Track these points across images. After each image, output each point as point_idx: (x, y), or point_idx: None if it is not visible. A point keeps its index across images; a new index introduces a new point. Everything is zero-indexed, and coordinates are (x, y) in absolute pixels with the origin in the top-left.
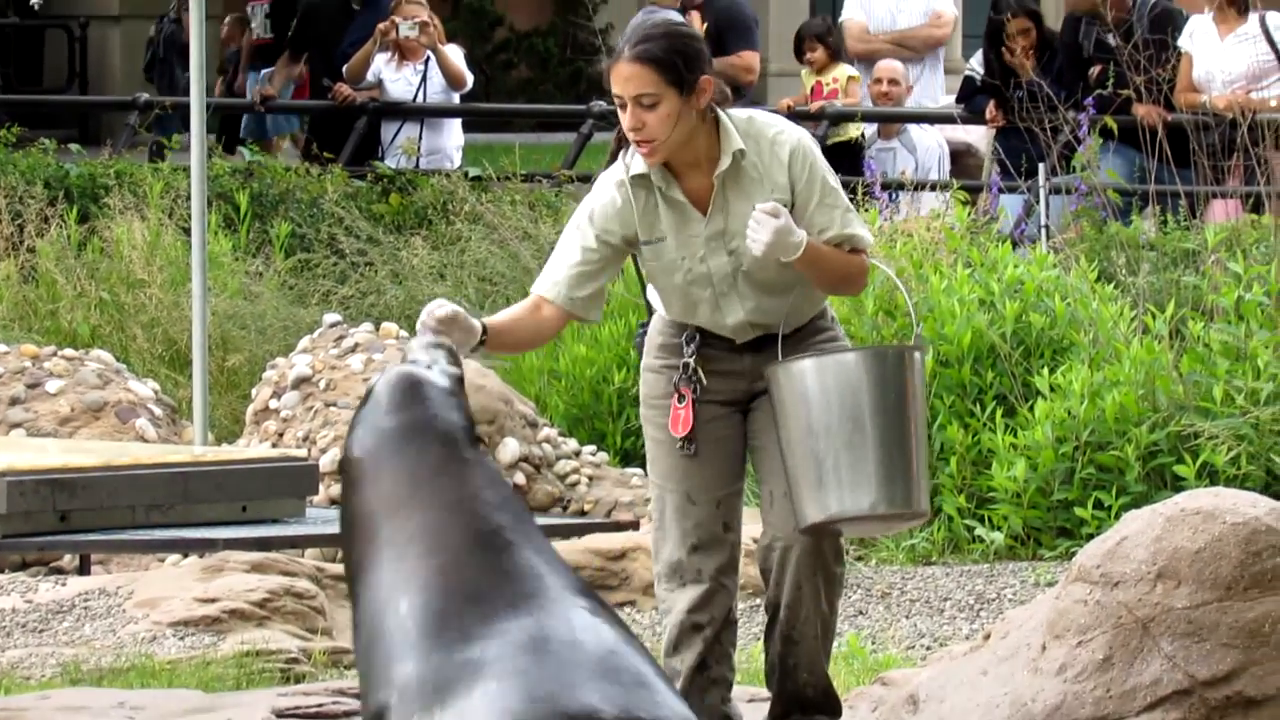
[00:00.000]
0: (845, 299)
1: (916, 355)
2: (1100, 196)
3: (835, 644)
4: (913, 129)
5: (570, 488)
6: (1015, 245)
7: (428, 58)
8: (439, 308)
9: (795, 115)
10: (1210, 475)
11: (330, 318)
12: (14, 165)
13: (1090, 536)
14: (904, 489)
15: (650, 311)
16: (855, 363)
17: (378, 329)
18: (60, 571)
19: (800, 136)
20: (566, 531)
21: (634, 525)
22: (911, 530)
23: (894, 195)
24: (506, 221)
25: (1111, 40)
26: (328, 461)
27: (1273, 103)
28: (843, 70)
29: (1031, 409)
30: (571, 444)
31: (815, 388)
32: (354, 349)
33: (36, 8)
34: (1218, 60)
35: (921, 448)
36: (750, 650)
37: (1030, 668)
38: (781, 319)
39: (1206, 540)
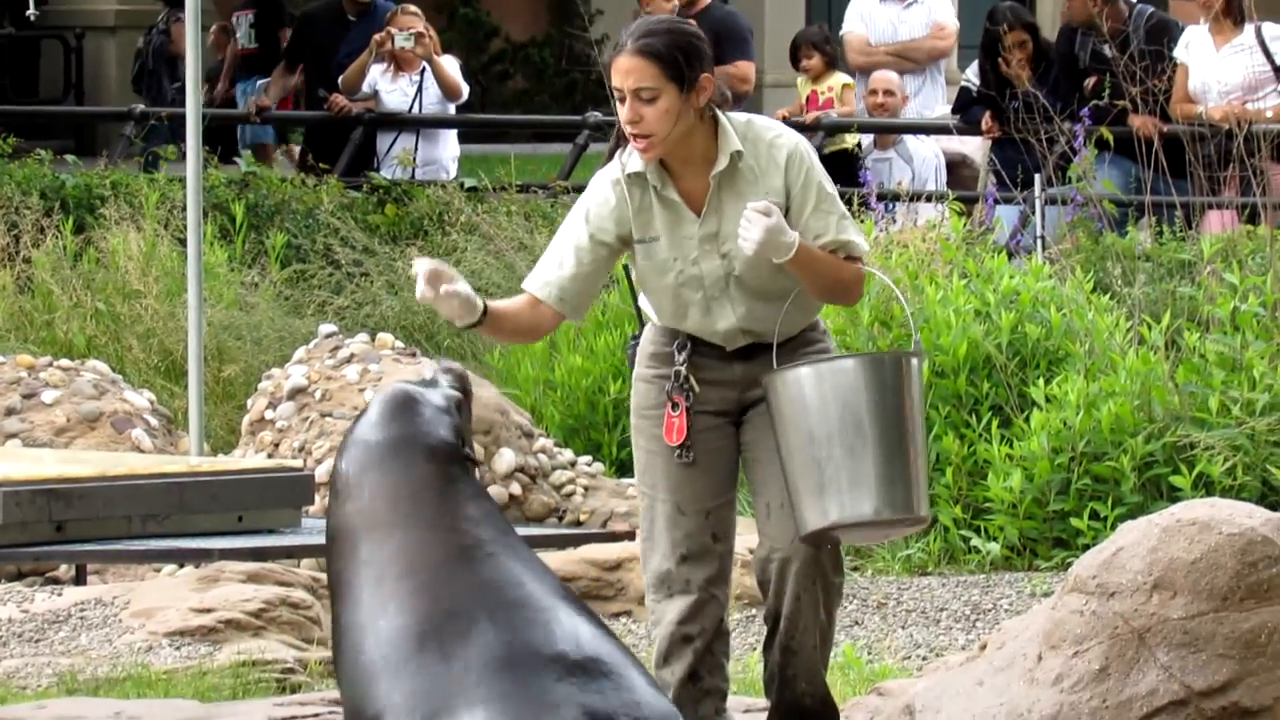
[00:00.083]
0: (841, 310)
1: (914, 361)
2: (1096, 207)
3: (831, 654)
4: (909, 139)
5: (566, 498)
6: (1011, 256)
7: (423, 69)
8: (427, 264)
9: (790, 126)
10: (1206, 486)
11: (326, 328)
12: (10, 176)
13: (1086, 547)
14: (904, 494)
15: (642, 322)
16: (854, 369)
17: (373, 340)
18: (56, 581)
19: (798, 141)
20: (562, 542)
21: (630, 536)
22: (907, 540)
23: (890, 206)
24: (502, 232)
25: (1107, 51)
26: (323, 472)
27: (1268, 114)
28: (838, 78)
29: (1027, 420)
30: (567, 454)
31: (814, 395)
32: (349, 360)
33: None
34: (1214, 71)
35: (921, 453)
36: (746, 660)
37: (1026, 678)
38: (772, 327)
39: (1202, 551)
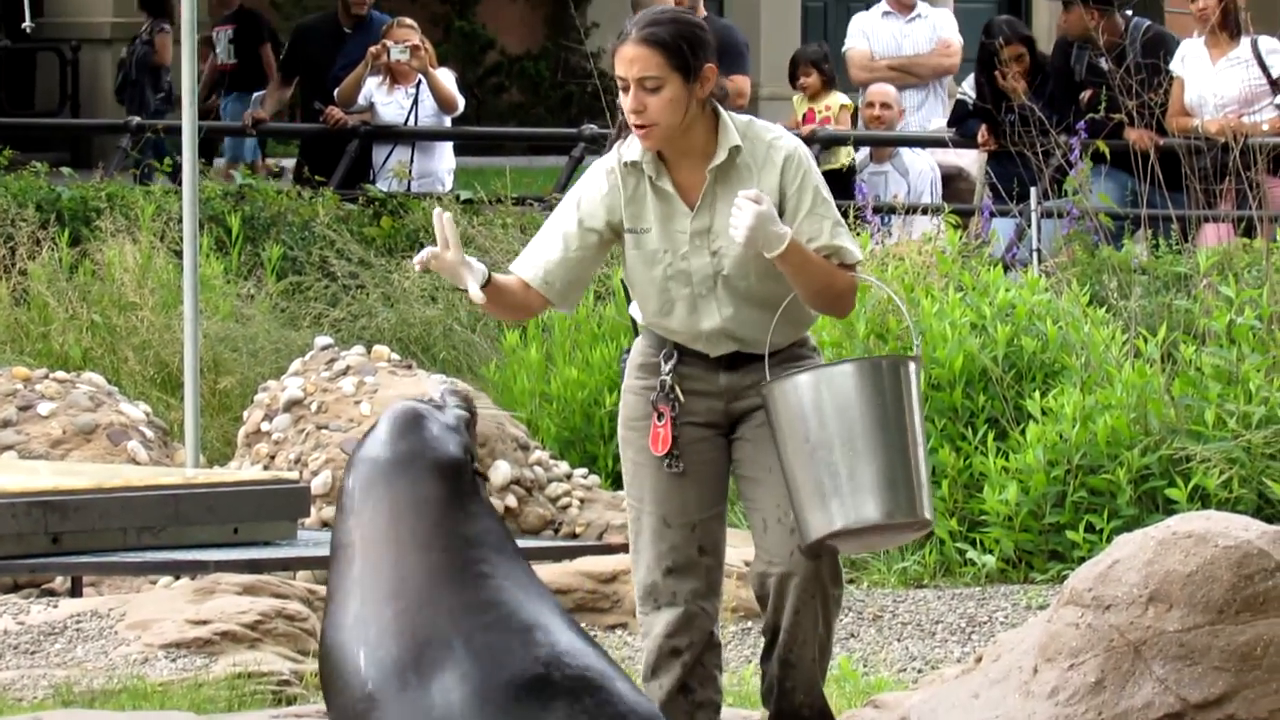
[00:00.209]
0: (837, 322)
1: (912, 365)
2: (1092, 220)
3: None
4: (905, 153)
5: (562, 510)
6: (1007, 269)
7: (419, 81)
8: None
9: None
10: (1202, 499)
11: (322, 340)
12: (6, 188)
13: (1082, 560)
14: (908, 497)
15: (636, 334)
16: (851, 374)
17: (369, 352)
18: (52, 593)
19: (797, 145)
20: (558, 554)
21: (625, 548)
22: (903, 553)
23: (885, 219)
24: (498, 245)
25: (1103, 64)
26: (319, 484)
27: (1264, 126)
28: (835, 98)
29: (1023, 432)
30: (563, 467)
31: (811, 402)
32: (345, 372)
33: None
34: (1210, 84)
35: (923, 456)
36: (742, 673)
37: (1022, 691)
38: (758, 335)
39: (1198, 564)
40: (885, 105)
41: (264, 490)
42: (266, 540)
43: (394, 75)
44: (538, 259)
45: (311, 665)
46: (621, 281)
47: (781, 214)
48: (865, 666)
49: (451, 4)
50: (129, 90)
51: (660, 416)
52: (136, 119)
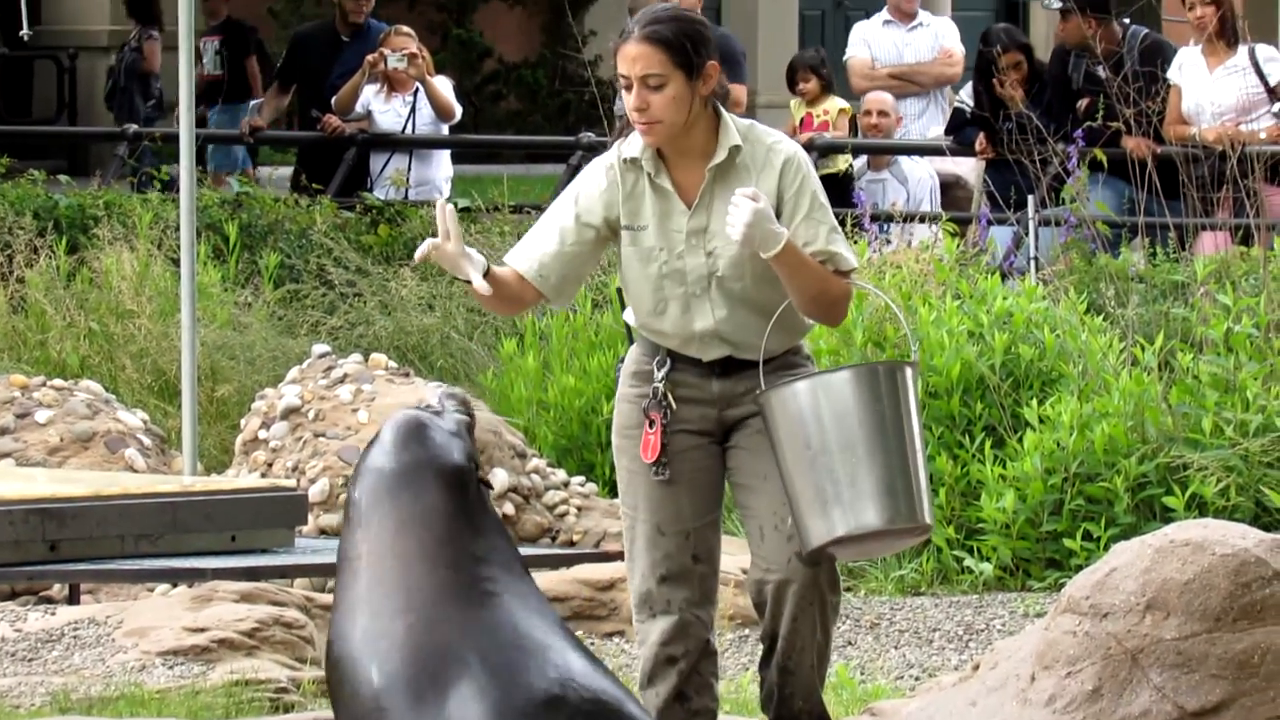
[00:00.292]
0: (834, 330)
1: (909, 370)
2: (1089, 229)
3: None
4: (903, 161)
5: (559, 518)
6: (1004, 277)
7: (416, 89)
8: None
9: None
10: (1199, 507)
11: (319, 348)
12: (3, 196)
13: (1079, 568)
14: (908, 503)
15: (632, 341)
16: (848, 381)
17: (367, 360)
18: (49, 601)
19: (797, 150)
20: (555, 562)
21: (622, 556)
22: (900, 560)
23: (884, 227)
24: (495, 253)
25: (1101, 73)
26: (317, 492)
27: (1262, 135)
28: (834, 103)
29: (1020, 440)
30: (560, 474)
31: (810, 409)
32: (343, 380)
33: (26, 39)
34: (1207, 93)
35: (922, 461)
36: (740, 680)
37: (1019, 698)
38: (750, 339)
39: (1196, 572)
40: (883, 113)
41: (261, 498)
42: (264, 548)
43: (391, 83)
44: (533, 252)
45: (309, 673)
46: (618, 290)
47: (778, 217)
48: (863, 674)
49: (449, 12)
50: (118, 97)
51: (651, 424)
52: (134, 127)
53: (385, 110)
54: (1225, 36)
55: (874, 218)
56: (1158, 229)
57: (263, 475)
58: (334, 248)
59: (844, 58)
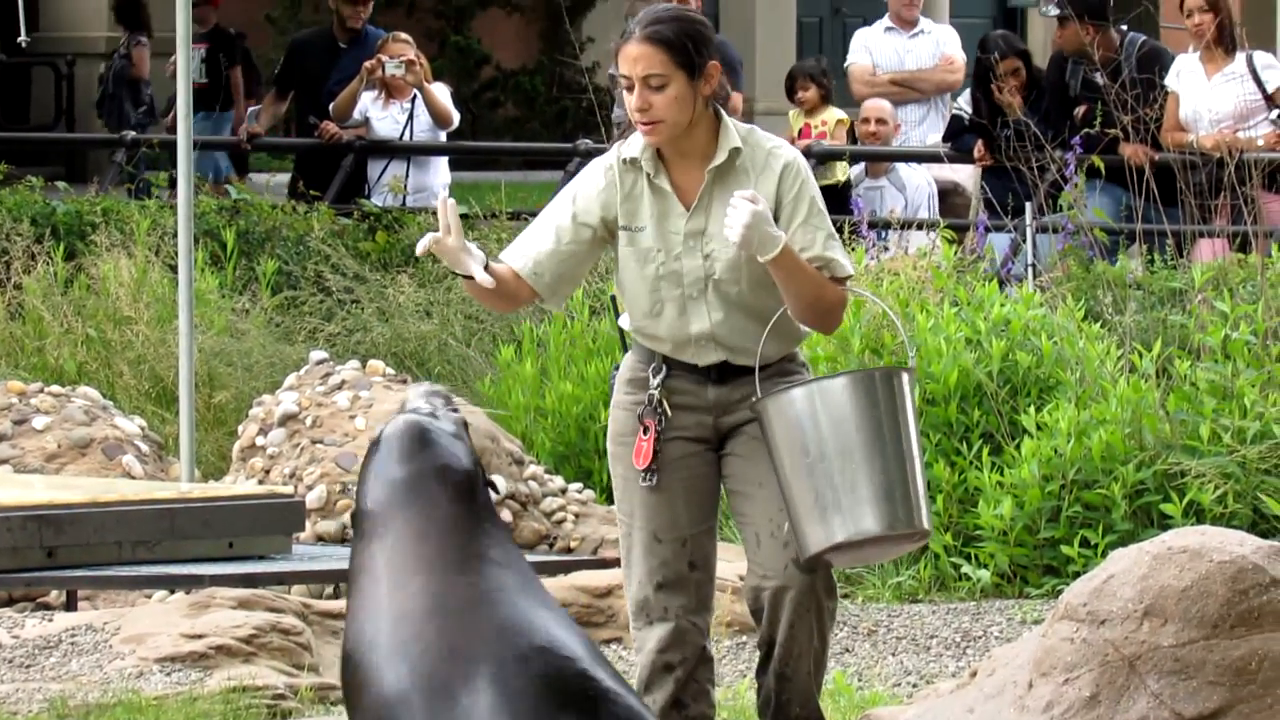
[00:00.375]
0: (831, 337)
1: (905, 376)
2: (1087, 235)
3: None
4: (901, 168)
5: (557, 525)
6: (1002, 284)
7: (414, 96)
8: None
9: None
10: (1197, 514)
11: (317, 355)
12: (1, 202)
13: (1077, 574)
14: (906, 509)
15: (626, 348)
16: (846, 386)
17: (364, 366)
18: (47, 607)
19: (796, 155)
20: (553, 569)
21: (619, 563)
22: (897, 567)
23: (881, 234)
24: (493, 259)
25: (1099, 79)
26: (314, 498)
27: (1259, 142)
28: (832, 114)
29: (1018, 447)
30: (558, 481)
31: (807, 416)
32: (340, 386)
33: (24, 45)
34: (1205, 99)
35: (919, 467)
36: (737, 687)
37: (1017, 705)
38: (745, 344)
39: (1193, 579)
40: (881, 121)
41: (259, 504)
42: (261, 554)
43: (389, 90)
44: (529, 249)
45: (307, 679)
46: (612, 298)
47: (776, 221)
48: (860, 681)
49: (447, 19)
50: (108, 104)
51: (645, 430)
52: (132, 133)
53: (383, 117)
54: (1223, 43)
55: (872, 225)
56: (1155, 236)
57: (260, 482)
58: (331, 254)
59: (845, 64)
